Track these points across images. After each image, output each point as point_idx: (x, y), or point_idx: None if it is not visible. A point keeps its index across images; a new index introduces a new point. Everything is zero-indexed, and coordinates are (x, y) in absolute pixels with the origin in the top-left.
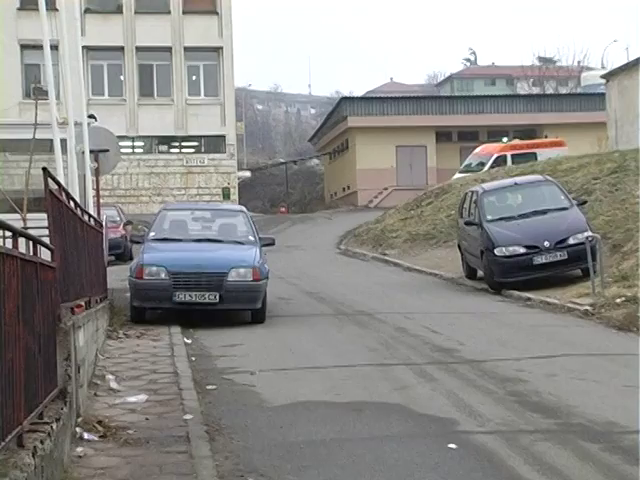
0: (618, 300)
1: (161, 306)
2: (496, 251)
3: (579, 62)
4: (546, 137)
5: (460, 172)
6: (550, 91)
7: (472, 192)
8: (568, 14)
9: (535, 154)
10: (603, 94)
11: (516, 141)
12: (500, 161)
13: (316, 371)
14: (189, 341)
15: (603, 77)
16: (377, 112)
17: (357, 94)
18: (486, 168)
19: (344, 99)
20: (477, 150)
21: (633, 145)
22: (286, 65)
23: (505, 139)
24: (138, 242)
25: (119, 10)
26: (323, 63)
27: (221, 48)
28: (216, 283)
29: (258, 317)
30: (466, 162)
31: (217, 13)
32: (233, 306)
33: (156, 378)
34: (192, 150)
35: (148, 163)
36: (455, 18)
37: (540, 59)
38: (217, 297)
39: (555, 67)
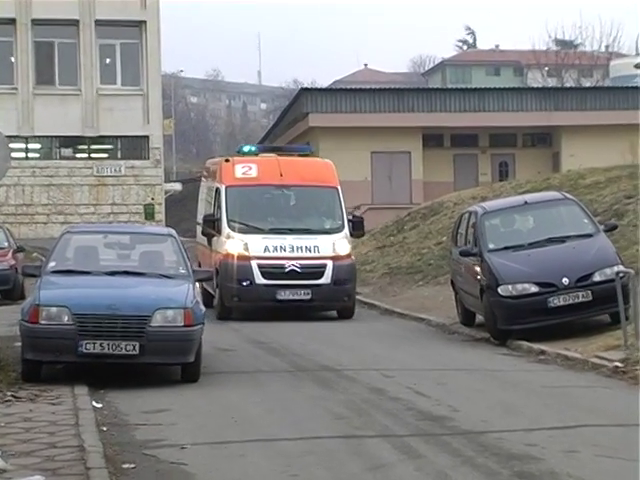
0: None
1: (62, 359)
2: (500, 290)
3: (607, 47)
4: None
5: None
6: (570, 84)
7: (470, 213)
8: None
9: None
10: (637, 88)
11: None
12: None
13: (266, 445)
14: (99, 405)
15: (637, 66)
16: (347, 108)
17: (321, 84)
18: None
19: (304, 91)
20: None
21: None
22: (229, 47)
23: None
24: (32, 275)
25: None
26: (276, 44)
27: (144, 23)
28: (135, 329)
29: (190, 374)
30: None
31: None
32: (158, 359)
33: (55, 454)
34: (105, 155)
35: (46, 172)
36: None
37: (557, 42)
38: (137, 348)
39: (576, 53)
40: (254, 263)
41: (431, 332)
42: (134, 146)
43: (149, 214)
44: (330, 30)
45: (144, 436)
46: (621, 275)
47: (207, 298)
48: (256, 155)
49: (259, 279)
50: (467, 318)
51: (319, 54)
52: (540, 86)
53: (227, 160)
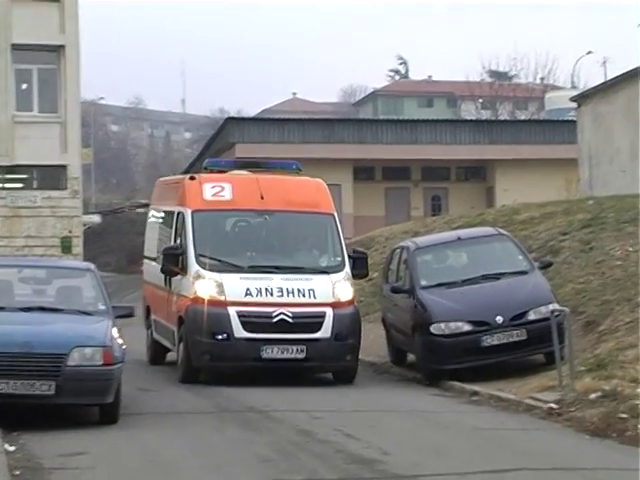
0: (593, 396)
1: None
2: (432, 328)
3: (542, 79)
4: None
5: None
6: (504, 116)
7: (401, 249)
8: (528, 16)
9: None
10: (573, 122)
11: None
12: None
13: None
14: (12, 448)
15: (573, 99)
16: (275, 139)
17: (248, 113)
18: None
19: (230, 120)
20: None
21: (611, 189)
22: (151, 74)
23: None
24: None
25: None
26: (201, 72)
27: (63, 47)
28: (51, 368)
29: (109, 415)
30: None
31: (58, 0)
32: (75, 400)
33: None
34: (20, 185)
35: None
36: (379, 17)
37: (491, 74)
38: (53, 388)
39: (511, 85)
40: (232, 310)
41: (361, 372)
42: (51, 176)
43: (66, 247)
44: (258, 58)
45: None
46: (556, 314)
47: (160, 352)
48: (225, 172)
49: (239, 332)
50: (398, 357)
51: (246, 82)
52: (474, 118)
53: (192, 178)
